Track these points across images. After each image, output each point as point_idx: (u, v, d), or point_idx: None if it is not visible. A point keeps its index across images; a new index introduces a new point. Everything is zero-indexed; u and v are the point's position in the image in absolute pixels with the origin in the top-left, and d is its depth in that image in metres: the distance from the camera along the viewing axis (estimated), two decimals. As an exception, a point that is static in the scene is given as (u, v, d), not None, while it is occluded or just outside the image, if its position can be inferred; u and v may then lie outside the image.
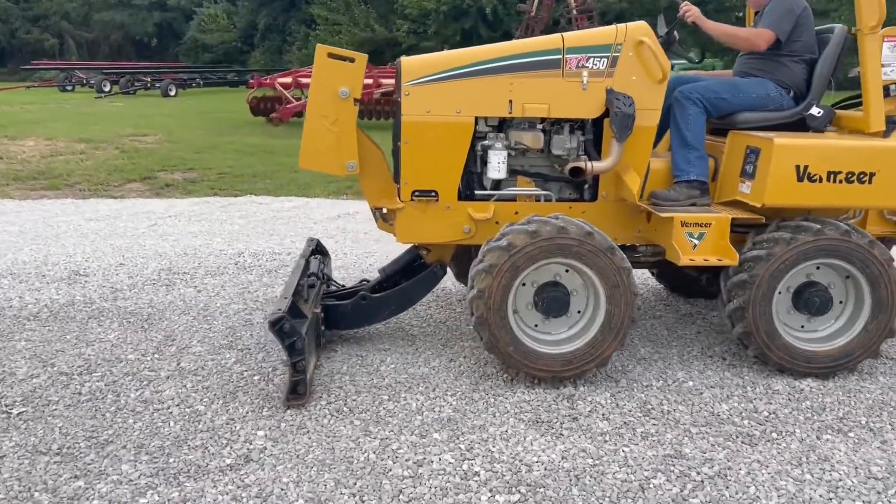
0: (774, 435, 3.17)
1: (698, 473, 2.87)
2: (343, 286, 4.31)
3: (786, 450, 3.05)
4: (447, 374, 3.72)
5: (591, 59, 3.64)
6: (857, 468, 2.92)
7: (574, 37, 3.67)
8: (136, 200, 8.57)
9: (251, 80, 19.07)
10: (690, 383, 3.66)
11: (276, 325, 3.26)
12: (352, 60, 3.56)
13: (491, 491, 2.74)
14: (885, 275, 3.55)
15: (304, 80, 17.45)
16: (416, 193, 3.70)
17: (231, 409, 3.33)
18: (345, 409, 3.36)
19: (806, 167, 3.46)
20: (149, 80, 29.25)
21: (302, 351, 3.29)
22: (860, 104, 3.99)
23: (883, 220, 4.08)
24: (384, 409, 3.37)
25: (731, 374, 3.76)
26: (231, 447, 3.00)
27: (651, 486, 2.79)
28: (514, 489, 2.75)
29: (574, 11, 29.90)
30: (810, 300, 3.62)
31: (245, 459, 2.91)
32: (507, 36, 36.47)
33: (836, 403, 3.46)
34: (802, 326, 3.76)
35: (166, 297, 4.86)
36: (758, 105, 3.85)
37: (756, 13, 4.11)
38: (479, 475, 2.84)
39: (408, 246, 4.23)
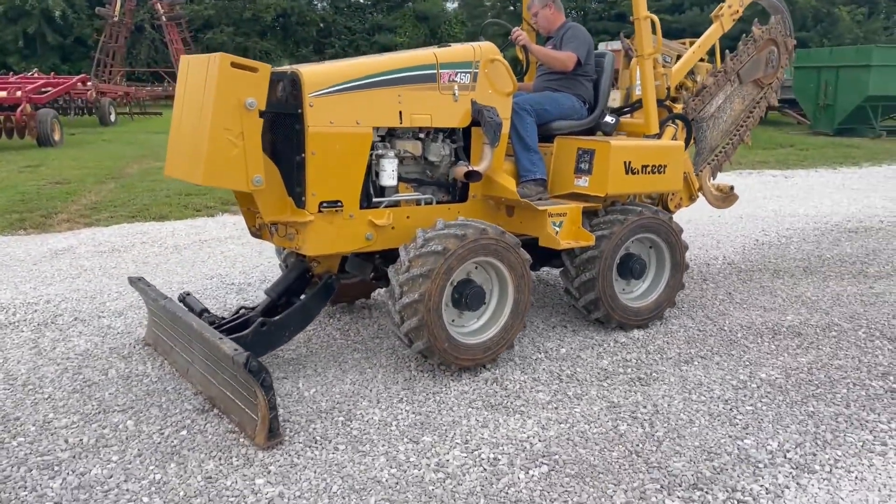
0: (655, 374, 4.00)
1: (643, 414, 3.52)
2: (222, 317, 3.94)
3: (673, 384, 3.88)
4: (374, 386, 3.76)
5: (459, 74, 4.02)
6: (721, 385, 3.88)
7: (443, 53, 4.00)
8: None
9: None
10: (564, 350, 4.32)
11: (248, 364, 2.99)
12: (255, 70, 3.37)
13: (522, 468, 3.00)
14: (678, 243, 4.67)
15: None
16: (324, 204, 3.66)
17: (219, 468, 2.94)
18: (317, 437, 3.22)
19: (630, 162, 4.37)
20: None
21: (272, 386, 3.06)
22: (626, 113, 5.10)
23: (642, 200, 5.27)
24: (353, 428, 3.32)
25: (583, 337, 4.52)
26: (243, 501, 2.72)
27: (622, 431, 3.35)
28: (538, 462, 3.05)
29: (163, 18, 28.60)
30: (634, 267, 4.56)
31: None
32: (80, 41, 33.09)
33: (666, 344, 4.45)
34: (623, 290, 4.70)
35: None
36: (567, 115, 4.65)
37: (548, 38, 4.91)
38: (499, 460, 3.07)
39: (275, 262, 4.07)
